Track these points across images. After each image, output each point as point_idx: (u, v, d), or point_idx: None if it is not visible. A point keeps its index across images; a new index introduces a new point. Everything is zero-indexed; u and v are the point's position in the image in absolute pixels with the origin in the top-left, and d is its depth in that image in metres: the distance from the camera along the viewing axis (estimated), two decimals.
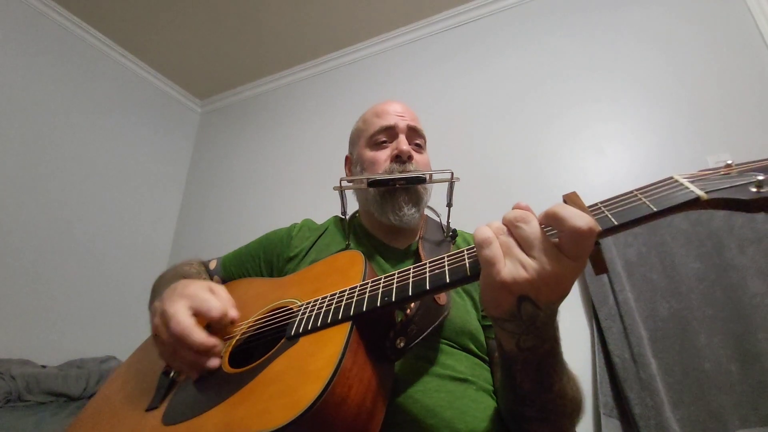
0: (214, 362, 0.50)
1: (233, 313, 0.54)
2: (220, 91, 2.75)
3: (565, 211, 0.36)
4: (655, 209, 0.35)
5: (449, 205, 0.78)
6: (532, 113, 1.78)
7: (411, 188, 0.73)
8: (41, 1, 2.01)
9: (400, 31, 2.26)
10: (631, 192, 0.39)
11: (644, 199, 0.37)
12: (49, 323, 1.80)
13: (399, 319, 0.50)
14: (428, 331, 0.51)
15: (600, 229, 0.36)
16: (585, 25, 1.81)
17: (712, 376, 1.12)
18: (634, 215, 0.36)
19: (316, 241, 0.79)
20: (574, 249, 0.35)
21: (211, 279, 0.80)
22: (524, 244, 0.37)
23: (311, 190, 2.09)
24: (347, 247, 0.75)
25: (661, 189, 0.37)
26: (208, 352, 0.49)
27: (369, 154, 0.78)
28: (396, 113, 0.79)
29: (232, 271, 0.81)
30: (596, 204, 0.41)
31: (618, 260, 1.35)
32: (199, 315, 0.51)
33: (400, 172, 0.73)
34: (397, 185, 0.72)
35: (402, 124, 0.78)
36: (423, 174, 0.72)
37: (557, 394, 0.46)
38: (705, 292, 1.22)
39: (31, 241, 1.80)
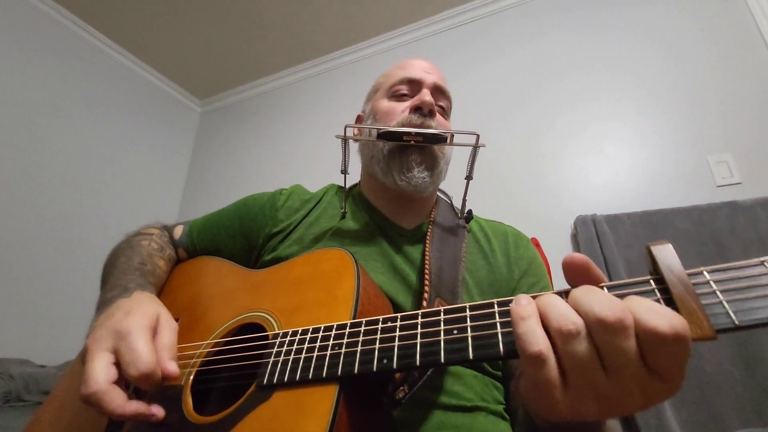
0: (157, 418, 0.41)
1: (170, 368, 0.41)
2: (220, 91, 2.75)
3: (647, 310, 0.24)
4: None
5: (468, 177, 0.65)
6: (532, 113, 1.78)
7: (426, 148, 0.61)
8: (41, 1, 2.00)
9: (400, 31, 2.26)
10: (759, 264, 0.26)
11: None
12: (49, 323, 1.80)
13: None
14: (434, 369, 0.41)
15: (711, 333, 0.24)
16: (585, 24, 1.81)
17: (713, 379, 1.12)
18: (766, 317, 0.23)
19: (307, 215, 0.67)
20: (669, 366, 0.24)
21: (176, 252, 0.69)
22: (608, 360, 0.25)
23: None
24: (343, 217, 0.65)
25: None
26: (129, 419, 0.39)
27: (385, 104, 0.67)
28: (423, 69, 0.69)
29: (201, 243, 0.68)
30: (701, 273, 0.26)
31: (620, 261, 1.34)
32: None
33: (418, 127, 0.61)
34: (412, 141, 0.59)
35: (429, 79, 0.67)
36: (444, 132, 0.60)
37: None
38: None
39: (31, 241, 1.80)
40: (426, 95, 0.64)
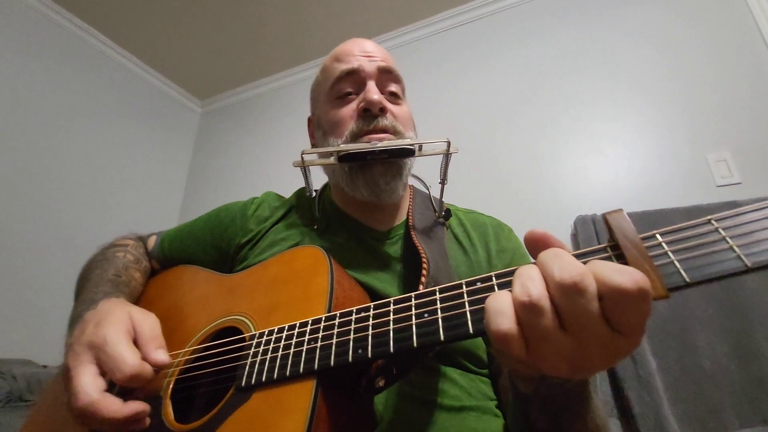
0: (142, 425, 0.41)
1: (159, 357, 0.41)
2: (220, 91, 2.75)
3: (611, 271, 0.25)
4: (749, 265, 0.24)
5: (443, 182, 0.61)
6: (532, 113, 1.78)
7: (390, 159, 0.56)
8: (42, 2, 2.01)
9: (399, 31, 2.26)
10: (707, 222, 0.26)
11: (731, 242, 0.24)
12: (51, 323, 1.80)
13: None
14: (414, 365, 0.40)
15: (663, 292, 0.25)
16: (585, 24, 1.81)
17: (711, 374, 1.12)
18: (717, 270, 0.24)
19: (277, 222, 0.65)
20: (632, 323, 0.25)
21: (149, 263, 0.68)
22: (568, 321, 0.25)
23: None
24: (316, 231, 0.62)
25: (754, 224, 0.25)
26: (128, 422, 0.39)
27: (330, 112, 0.61)
28: (362, 53, 0.62)
29: (172, 254, 0.67)
30: (654, 236, 0.27)
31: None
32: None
33: (378, 140, 0.55)
34: (377, 159, 0.54)
35: (370, 66, 0.60)
36: (411, 145, 0.55)
37: None
38: (704, 289, 1.22)
39: (32, 241, 1.81)
40: (371, 92, 0.58)
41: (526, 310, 0.26)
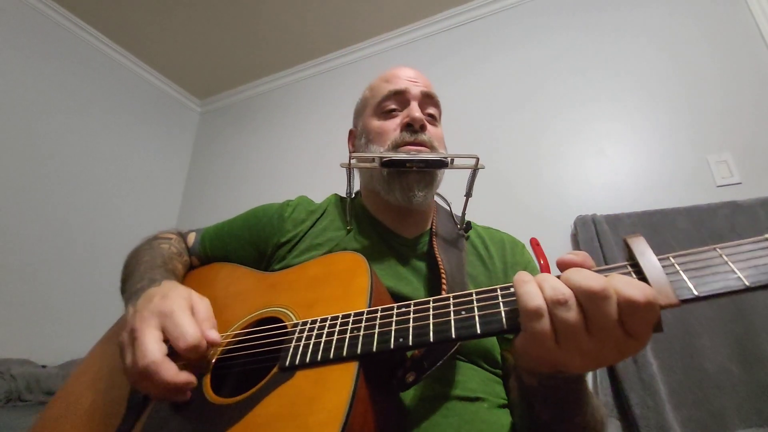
0: (185, 396, 0.44)
1: (212, 336, 0.46)
2: (220, 91, 2.75)
3: (626, 284, 0.30)
4: (748, 284, 0.29)
5: (468, 195, 0.68)
6: (532, 113, 1.78)
7: (425, 170, 0.64)
8: (41, 1, 2.01)
9: (399, 31, 2.26)
10: (712, 250, 0.32)
11: (732, 266, 0.30)
12: (50, 323, 1.80)
13: (410, 354, 0.44)
14: (441, 361, 0.44)
15: (676, 301, 0.30)
16: (586, 24, 1.81)
17: (713, 377, 1.12)
18: (721, 287, 0.29)
19: (312, 225, 0.69)
20: (641, 328, 0.30)
21: (189, 259, 0.72)
22: (593, 324, 0.30)
23: (312, 189, 2.08)
24: (348, 233, 0.67)
25: (752, 253, 0.30)
26: (178, 390, 0.43)
27: (376, 123, 0.69)
28: (408, 78, 0.70)
29: (213, 251, 0.71)
30: (667, 258, 0.33)
31: (619, 260, 1.34)
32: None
33: (417, 152, 0.64)
34: (415, 167, 0.62)
35: (415, 89, 0.69)
36: (445, 157, 0.62)
37: (578, 425, 0.43)
38: None
39: (31, 241, 1.80)
40: (414, 110, 0.66)
41: (558, 306, 0.31)
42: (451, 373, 0.52)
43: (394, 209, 0.69)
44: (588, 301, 0.30)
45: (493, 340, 0.58)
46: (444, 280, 0.54)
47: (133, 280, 0.59)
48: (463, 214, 0.71)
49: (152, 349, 0.42)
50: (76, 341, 1.85)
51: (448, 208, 0.76)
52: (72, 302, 1.89)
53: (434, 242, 0.63)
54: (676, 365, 1.17)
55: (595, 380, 1.27)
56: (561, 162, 1.65)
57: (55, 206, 1.92)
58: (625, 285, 0.30)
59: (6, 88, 1.81)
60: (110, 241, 2.10)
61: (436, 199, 0.76)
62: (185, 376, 0.42)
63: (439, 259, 0.59)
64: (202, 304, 0.49)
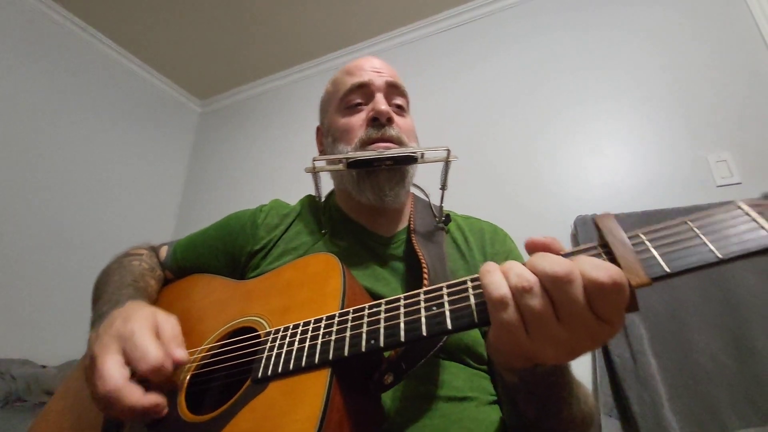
0: (159, 416, 0.43)
1: (179, 355, 0.44)
2: (220, 91, 2.75)
3: (592, 266, 0.28)
4: (720, 256, 0.27)
5: (443, 187, 0.66)
6: (531, 113, 1.78)
7: (395, 167, 0.61)
8: (41, 1, 2.01)
9: (398, 32, 2.26)
10: (682, 222, 0.30)
11: (704, 239, 0.28)
12: (49, 323, 1.80)
13: (386, 355, 0.43)
14: (421, 362, 0.42)
15: (647, 280, 0.28)
16: (584, 24, 1.81)
17: (708, 372, 1.12)
18: (693, 261, 0.28)
19: (286, 230, 0.67)
20: (611, 311, 0.28)
21: (163, 273, 0.70)
22: (561, 310, 0.29)
23: (311, 190, 2.08)
24: (323, 235, 0.65)
25: (724, 224, 0.28)
26: (147, 412, 0.41)
27: (341, 120, 0.65)
28: (372, 69, 0.67)
29: (185, 263, 0.69)
30: (637, 235, 0.31)
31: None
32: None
33: (385, 148, 0.61)
34: (383, 166, 0.59)
35: (379, 80, 0.65)
36: (414, 152, 0.60)
37: (566, 420, 0.42)
38: (704, 289, 1.22)
39: (31, 241, 1.80)
40: (380, 103, 0.63)
41: (524, 294, 0.29)
42: (435, 373, 0.50)
43: (368, 209, 0.66)
44: (553, 286, 0.29)
45: (475, 334, 0.56)
46: (426, 275, 0.52)
47: (99, 303, 0.58)
48: (441, 206, 0.69)
49: (112, 375, 0.40)
50: (76, 341, 1.85)
51: (427, 200, 0.73)
52: (72, 302, 1.89)
53: (413, 237, 0.61)
54: (673, 362, 1.17)
55: (594, 379, 1.27)
56: (560, 162, 1.65)
57: (55, 206, 1.92)
58: (590, 267, 0.28)
59: (5, 88, 1.81)
60: (110, 241, 2.10)
61: (414, 191, 0.74)
62: (151, 399, 0.41)
63: (419, 254, 0.57)
64: (168, 324, 0.47)
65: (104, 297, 0.58)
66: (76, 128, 2.07)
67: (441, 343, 0.45)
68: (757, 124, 1.39)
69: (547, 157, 1.67)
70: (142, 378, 0.42)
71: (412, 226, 0.65)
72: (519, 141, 1.75)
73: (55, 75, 2.03)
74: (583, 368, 1.32)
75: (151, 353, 0.42)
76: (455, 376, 0.51)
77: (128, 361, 0.42)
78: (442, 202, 0.68)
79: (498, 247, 0.67)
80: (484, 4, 2.06)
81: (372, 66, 0.67)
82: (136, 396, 0.40)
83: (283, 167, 2.32)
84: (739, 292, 1.17)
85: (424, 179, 0.72)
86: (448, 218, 0.68)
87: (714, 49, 1.54)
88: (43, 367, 1.57)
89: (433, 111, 1.95)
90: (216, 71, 2.56)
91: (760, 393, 1.07)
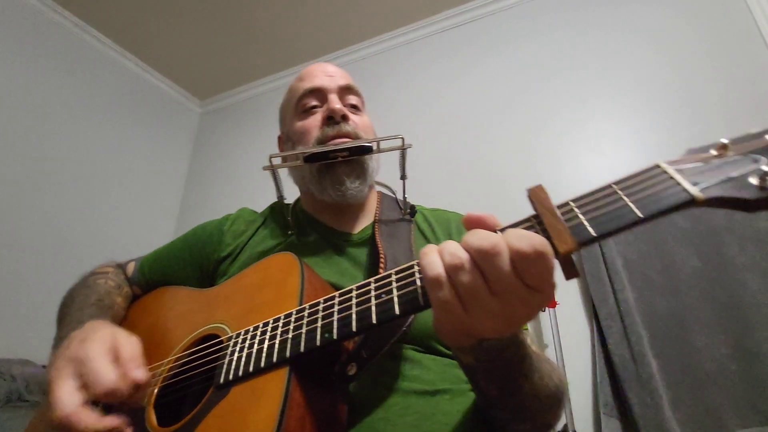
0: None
1: (138, 375, 0.42)
2: (220, 91, 2.75)
3: (516, 237, 0.29)
4: (641, 215, 0.28)
5: (403, 177, 0.67)
6: (530, 113, 1.78)
7: (353, 159, 0.62)
8: (41, 1, 2.01)
9: (398, 32, 2.26)
10: (608, 187, 0.31)
11: (627, 200, 0.29)
12: (50, 323, 1.79)
13: (347, 346, 0.43)
14: (385, 349, 0.43)
15: (574, 245, 0.29)
16: (583, 23, 1.81)
17: (711, 375, 1.12)
18: (617, 223, 0.29)
19: (253, 235, 0.68)
20: (539, 280, 0.29)
21: (131, 288, 0.70)
22: (493, 283, 0.30)
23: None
24: (290, 237, 0.66)
25: (645, 184, 0.30)
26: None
27: (298, 123, 0.67)
28: (324, 73, 0.69)
29: (152, 277, 0.69)
30: (567, 203, 0.33)
31: (618, 259, 1.35)
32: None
33: (339, 139, 0.62)
34: (339, 158, 0.60)
35: (331, 83, 0.67)
36: (368, 143, 0.61)
37: (529, 395, 0.43)
38: (705, 290, 1.22)
39: (32, 241, 1.80)
40: (333, 102, 0.65)
41: (457, 271, 0.30)
42: (405, 366, 0.50)
43: (332, 207, 0.67)
44: (482, 260, 0.30)
45: None
46: (382, 264, 0.52)
47: (62, 325, 0.57)
48: (404, 197, 0.70)
49: (65, 400, 0.39)
50: None
51: (393, 195, 0.74)
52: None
53: (376, 231, 0.62)
54: (675, 363, 1.17)
55: (594, 379, 1.27)
56: (559, 161, 1.65)
57: (55, 206, 1.92)
58: (515, 239, 0.29)
59: (6, 89, 1.81)
60: (110, 241, 2.10)
61: (379, 188, 0.74)
62: (108, 421, 0.39)
63: (379, 246, 0.57)
64: (128, 343, 0.45)
65: (67, 318, 0.57)
66: (77, 128, 2.08)
67: (405, 329, 0.46)
68: (757, 124, 1.39)
69: (546, 156, 1.67)
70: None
71: (377, 221, 0.66)
72: (518, 140, 1.76)
73: (56, 75, 2.03)
74: (583, 368, 1.32)
75: (106, 376, 0.41)
76: (427, 370, 0.51)
77: (83, 385, 0.41)
78: (405, 192, 0.69)
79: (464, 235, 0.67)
80: (483, 4, 2.06)
81: (324, 71, 0.69)
82: (89, 421, 0.39)
83: (283, 168, 2.31)
84: (743, 296, 1.17)
85: (412, 180, 0.73)
86: (413, 209, 0.68)
87: (714, 49, 1.54)
88: (44, 366, 1.57)
89: (431, 111, 1.95)
90: (216, 71, 2.57)
91: (761, 394, 1.07)
